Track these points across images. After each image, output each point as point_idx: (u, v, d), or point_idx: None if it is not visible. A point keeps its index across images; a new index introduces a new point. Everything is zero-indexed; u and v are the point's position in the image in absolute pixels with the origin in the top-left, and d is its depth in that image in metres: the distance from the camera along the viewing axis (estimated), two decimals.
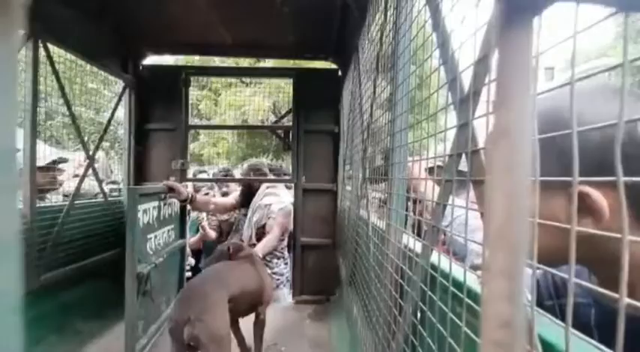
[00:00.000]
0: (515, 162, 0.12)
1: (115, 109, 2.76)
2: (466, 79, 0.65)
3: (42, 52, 2.00)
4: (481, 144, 0.58)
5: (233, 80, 6.59)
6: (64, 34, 2.12)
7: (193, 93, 3.42)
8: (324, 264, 2.92)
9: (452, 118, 0.72)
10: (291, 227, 2.93)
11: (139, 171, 2.91)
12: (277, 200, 2.84)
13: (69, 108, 2.28)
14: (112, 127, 2.95)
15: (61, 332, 2.08)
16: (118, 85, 2.84)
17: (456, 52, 0.70)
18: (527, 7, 0.11)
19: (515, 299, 0.11)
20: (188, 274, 2.81)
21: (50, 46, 2.06)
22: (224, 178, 3.44)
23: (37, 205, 2.03)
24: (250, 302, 1.92)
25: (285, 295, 2.93)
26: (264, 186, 2.99)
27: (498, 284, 0.11)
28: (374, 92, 1.51)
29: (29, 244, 1.92)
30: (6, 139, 0.10)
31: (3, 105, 0.10)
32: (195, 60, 6.42)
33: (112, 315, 2.37)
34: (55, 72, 2.13)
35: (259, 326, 2.00)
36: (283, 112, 3.87)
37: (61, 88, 2.19)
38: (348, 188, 2.32)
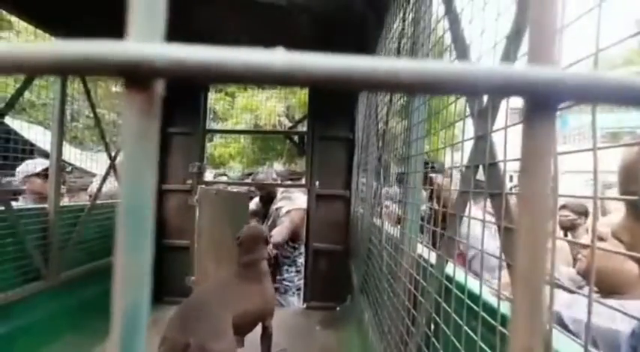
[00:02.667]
0: (539, 226, 0.12)
1: None
2: None
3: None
4: (499, 156, 0.58)
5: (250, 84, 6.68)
6: (91, 39, 2.21)
7: (211, 96, 3.49)
8: (335, 271, 2.91)
9: (465, 130, 0.72)
10: (303, 226, 2.95)
11: (158, 174, 2.98)
12: (289, 203, 2.87)
13: (93, 110, 2.37)
14: None
15: (79, 328, 2.14)
16: None
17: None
18: (550, 103, 0.12)
19: (536, 333, 0.12)
20: None
21: None
22: (240, 182, 3.49)
23: (61, 204, 2.11)
24: (255, 321, 1.76)
25: (294, 302, 2.94)
26: (279, 191, 3.03)
27: (521, 321, 0.12)
28: (390, 100, 1.51)
29: (51, 241, 2.00)
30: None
31: (144, 177, 0.12)
32: None
33: None
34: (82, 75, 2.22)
35: (267, 338, 1.86)
36: (296, 116, 3.90)
37: (87, 91, 2.28)
38: (362, 195, 2.32)
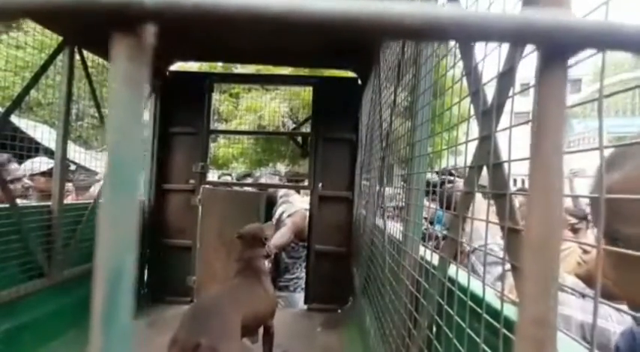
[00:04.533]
0: (552, 184, 0.12)
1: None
2: (489, 91, 0.64)
3: (77, 57, 2.11)
4: (503, 157, 0.57)
5: (253, 86, 6.73)
6: (97, 41, 2.23)
7: (215, 98, 3.51)
8: (337, 272, 2.90)
9: (470, 129, 0.71)
10: (305, 228, 2.95)
11: (161, 173, 2.99)
12: (290, 206, 2.88)
13: (99, 110, 2.38)
14: None
15: (82, 325, 2.15)
16: (146, 89, 2.95)
17: (480, 64, 0.69)
18: (563, 51, 0.12)
19: (548, 300, 0.11)
20: None
21: (84, 52, 2.17)
22: (242, 183, 3.49)
23: (65, 202, 2.12)
24: (260, 322, 1.78)
25: (301, 299, 2.95)
26: (279, 195, 3.04)
27: (533, 288, 0.12)
28: (394, 101, 1.51)
29: (55, 239, 2.01)
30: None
31: (133, 127, 0.12)
32: (218, 66, 6.60)
33: None
34: (88, 76, 2.24)
35: (269, 339, 1.88)
36: (300, 117, 3.91)
37: (93, 91, 2.30)
38: (365, 196, 2.31)
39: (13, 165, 2.32)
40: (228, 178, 4.07)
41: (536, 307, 0.11)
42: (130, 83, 0.12)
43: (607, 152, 0.51)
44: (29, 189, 2.35)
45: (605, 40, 0.12)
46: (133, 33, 0.12)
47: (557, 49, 0.12)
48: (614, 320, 0.58)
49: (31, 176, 2.42)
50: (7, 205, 1.74)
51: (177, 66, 3.15)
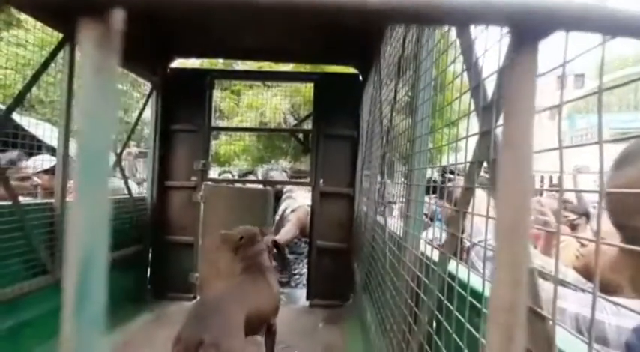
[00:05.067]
0: (521, 169, 0.12)
1: (142, 110, 2.87)
2: (489, 86, 0.64)
3: (78, 53, 2.11)
4: None
5: (254, 82, 6.73)
6: None
7: (216, 95, 3.50)
8: (339, 269, 2.91)
9: (469, 126, 0.71)
10: (308, 224, 2.97)
11: (163, 170, 3.00)
12: (293, 202, 2.88)
13: None
14: (138, 127, 3.07)
15: None
16: (146, 86, 2.95)
17: (480, 59, 0.69)
18: (534, 35, 0.12)
19: (518, 287, 0.11)
20: None
21: None
22: (244, 180, 3.50)
23: (68, 199, 2.13)
24: (264, 320, 1.76)
25: (302, 295, 2.97)
26: (284, 190, 3.05)
27: (503, 274, 0.12)
28: (395, 97, 1.50)
29: (59, 236, 2.02)
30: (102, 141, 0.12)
31: (103, 114, 0.12)
32: (219, 63, 6.60)
33: (132, 308, 2.45)
34: None
35: (271, 336, 1.87)
36: (301, 114, 3.90)
37: None
38: (366, 193, 2.31)
39: (24, 163, 2.34)
40: (229, 176, 4.08)
41: (506, 293, 0.12)
42: (99, 70, 0.12)
43: (618, 149, 0.51)
44: (37, 186, 2.36)
45: (575, 22, 0.12)
46: (100, 19, 0.12)
47: (528, 31, 0.12)
48: (609, 312, 0.58)
49: (35, 174, 2.43)
50: (9, 203, 1.75)
51: (178, 63, 3.15)
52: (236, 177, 3.99)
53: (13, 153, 2.21)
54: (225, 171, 4.47)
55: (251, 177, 3.88)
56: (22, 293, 1.77)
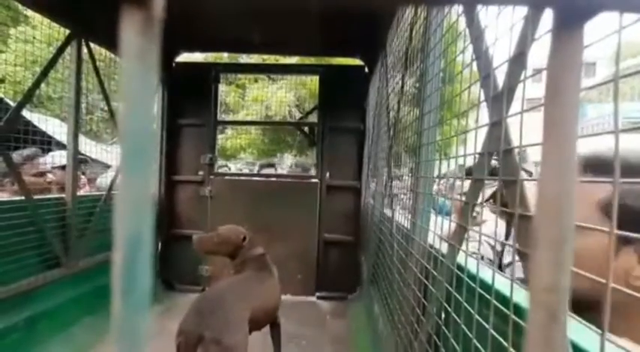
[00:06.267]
0: (566, 148, 0.12)
1: None
2: (500, 76, 0.63)
3: (84, 50, 2.12)
4: (515, 142, 0.56)
5: (260, 76, 6.71)
6: (104, 34, 2.24)
7: (222, 89, 3.50)
8: (345, 261, 2.92)
9: (480, 116, 0.70)
10: None
11: (170, 165, 3.03)
12: None
13: (108, 103, 2.40)
14: None
15: (97, 313, 2.22)
16: None
17: (490, 48, 0.67)
18: (580, 13, 0.12)
19: (561, 266, 0.11)
20: None
21: (92, 45, 2.18)
22: (251, 173, 3.51)
23: (78, 194, 2.17)
24: (269, 317, 1.74)
25: None
26: None
27: (546, 252, 0.12)
28: (402, 88, 1.49)
29: (70, 230, 2.06)
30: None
31: (145, 100, 0.12)
32: (224, 57, 6.59)
33: None
34: (96, 69, 2.25)
35: (276, 330, 1.84)
36: (306, 107, 3.89)
37: (101, 84, 2.31)
38: (373, 186, 2.31)
39: (41, 159, 2.37)
40: (227, 170, 4.10)
41: (548, 273, 0.11)
42: (141, 57, 0.12)
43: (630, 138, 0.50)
44: (51, 182, 2.40)
45: (621, 2, 0.11)
46: (143, 6, 0.12)
47: (574, 11, 0.12)
48: None
49: (50, 170, 2.47)
50: (23, 198, 1.79)
51: (183, 57, 3.15)
52: (255, 170, 4.00)
53: (30, 150, 2.24)
54: (221, 166, 4.47)
55: (271, 170, 3.89)
56: (37, 286, 1.82)
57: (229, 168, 4.13)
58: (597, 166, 0.49)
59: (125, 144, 0.12)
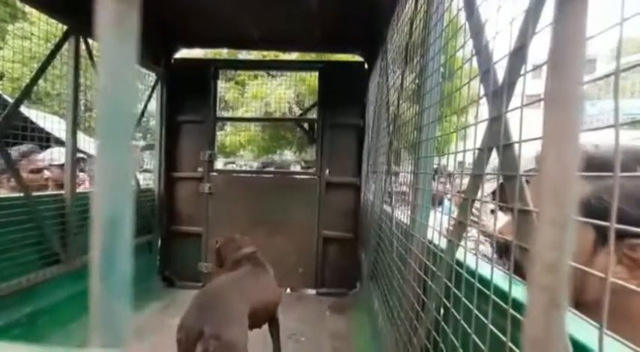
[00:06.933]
0: (568, 125, 0.11)
1: (147, 101, 2.87)
2: (500, 71, 0.62)
3: (82, 46, 2.11)
4: (514, 137, 0.56)
5: (259, 72, 6.68)
6: None
7: (221, 86, 3.49)
8: (345, 258, 2.93)
9: (479, 112, 0.69)
10: None
11: (169, 161, 3.02)
12: None
13: None
14: (143, 119, 3.08)
15: None
16: (151, 77, 2.95)
17: (491, 42, 0.67)
18: None
19: (562, 247, 0.11)
20: None
21: (90, 41, 2.17)
22: (251, 170, 3.51)
23: (77, 190, 2.16)
24: (269, 312, 1.75)
25: None
26: None
27: (548, 233, 0.11)
28: (401, 84, 1.48)
29: (70, 227, 2.06)
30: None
31: (124, 68, 0.12)
32: (223, 53, 6.56)
33: (142, 296, 2.50)
34: (95, 65, 2.24)
35: (275, 326, 1.85)
36: (306, 103, 3.88)
37: None
38: (372, 182, 2.31)
39: (38, 156, 2.36)
40: (234, 166, 4.10)
41: (550, 253, 0.11)
42: (120, 25, 0.12)
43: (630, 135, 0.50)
44: (48, 179, 2.39)
45: None
46: None
47: None
48: None
49: (47, 167, 2.46)
50: (21, 195, 1.78)
51: (182, 53, 3.13)
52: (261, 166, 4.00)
53: (26, 146, 2.23)
54: (229, 163, 4.49)
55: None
56: (37, 283, 1.82)
57: (239, 166, 4.13)
58: (587, 163, 0.48)
59: (103, 121, 0.12)
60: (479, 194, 0.69)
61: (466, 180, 0.73)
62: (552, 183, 0.11)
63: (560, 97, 0.11)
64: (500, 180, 0.59)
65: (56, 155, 2.42)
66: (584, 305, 0.31)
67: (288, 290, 3.07)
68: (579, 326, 0.41)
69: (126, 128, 0.12)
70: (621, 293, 0.36)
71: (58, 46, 1.95)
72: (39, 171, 2.31)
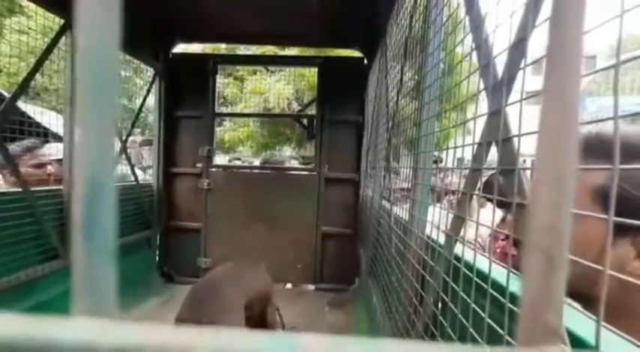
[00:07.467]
0: (567, 89, 0.11)
1: (146, 97, 2.85)
2: (499, 65, 0.62)
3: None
4: (514, 131, 0.56)
5: (258, 68, 6.66)
6: None
7: (220, 81, 3.47)
8: (344, 253, 2.94)
9: (479, 107, 0.69)
10: None
11: (168, 157, 3.01)
12: None
13: None
14: (142, 114, 3.06)
15: None
16: (149, 72, 2.93)
17: (490, 36, 0.66)
18: None
19: (561, 205, 0.11)
20: None
21: None
22: (251, 166, 3.50)
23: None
24: (264, 304, 1.78)
25: None
26: None
27: (546, 191, 0.11)
28: (401, 79, 1.48)
29: (69, 222, 2.05)
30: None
31: (106, 24, 0.11)
32: (222, 48, 6.54)
33: (142, 292, 2.51)
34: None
35: (278, 316, 1.91)
36: (305, 99, 3.87)
37: None
38: (371, 178, 2.31)
39: (41, 151, 2.35)
40: (239, 163, 4.10)
41: (548, 213, 0.11)
42: (103, 7, 0.11)
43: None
44: (50, 175, 2.38)
45: None
46: None
47: None
48: None
49: (49, 162, 2.45)
50: (20, 189, 1.78)
51: (180, 48, 3.11)
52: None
53: (29, 141, 2.22)
54: (235, 159, 4.48)
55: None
56: (36, 277, 1.82)
57: (246, 162, 4.14)
58: (595, 148, 0.46)
59: (83, 76, 0.11)
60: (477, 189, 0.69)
61: (463, 177, 0.73)
62: (549, 141, 0.11)
63: (561, 53, 0.11)
64: (484, 178, 0.58)
65: (54, 150, 2.41)
66: (597, 299, 0.31)
67: (288, 285, 3.08)
68: (577, 321, 0.42)
69: (108, 85, 0.12)
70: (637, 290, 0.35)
71: (55, 40, 1.94)
72: (42, 165, 2.30)
